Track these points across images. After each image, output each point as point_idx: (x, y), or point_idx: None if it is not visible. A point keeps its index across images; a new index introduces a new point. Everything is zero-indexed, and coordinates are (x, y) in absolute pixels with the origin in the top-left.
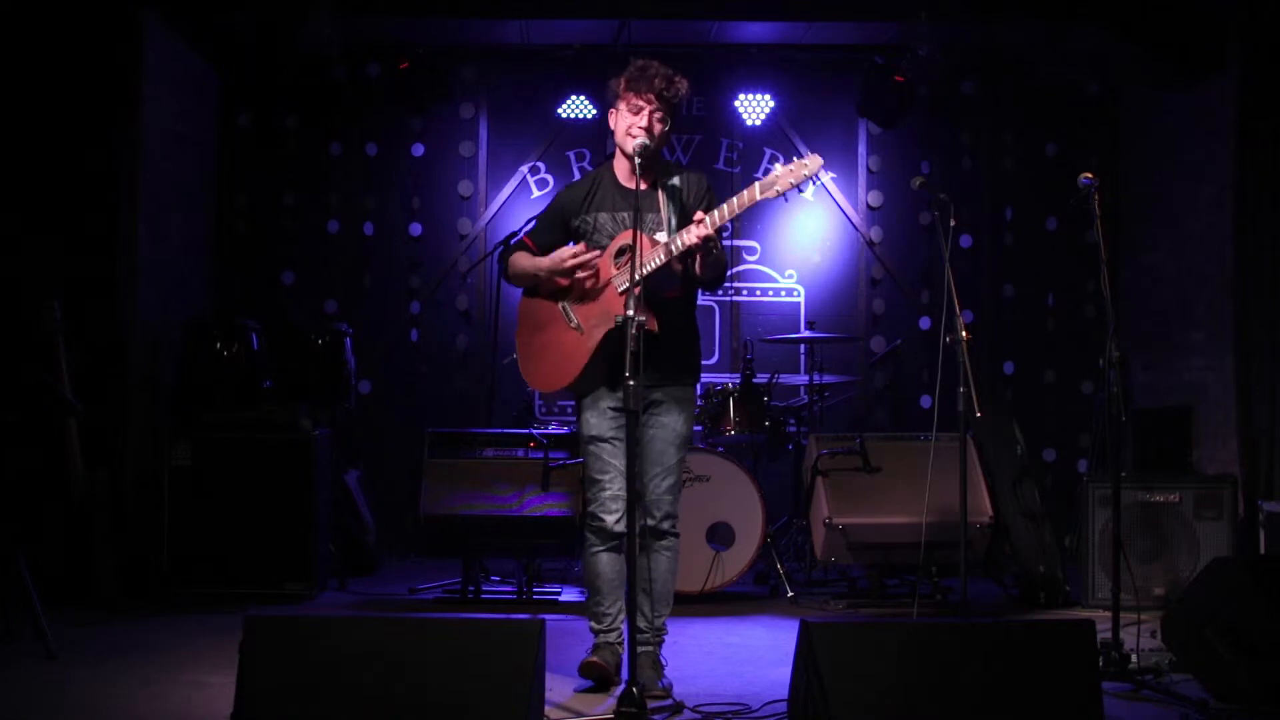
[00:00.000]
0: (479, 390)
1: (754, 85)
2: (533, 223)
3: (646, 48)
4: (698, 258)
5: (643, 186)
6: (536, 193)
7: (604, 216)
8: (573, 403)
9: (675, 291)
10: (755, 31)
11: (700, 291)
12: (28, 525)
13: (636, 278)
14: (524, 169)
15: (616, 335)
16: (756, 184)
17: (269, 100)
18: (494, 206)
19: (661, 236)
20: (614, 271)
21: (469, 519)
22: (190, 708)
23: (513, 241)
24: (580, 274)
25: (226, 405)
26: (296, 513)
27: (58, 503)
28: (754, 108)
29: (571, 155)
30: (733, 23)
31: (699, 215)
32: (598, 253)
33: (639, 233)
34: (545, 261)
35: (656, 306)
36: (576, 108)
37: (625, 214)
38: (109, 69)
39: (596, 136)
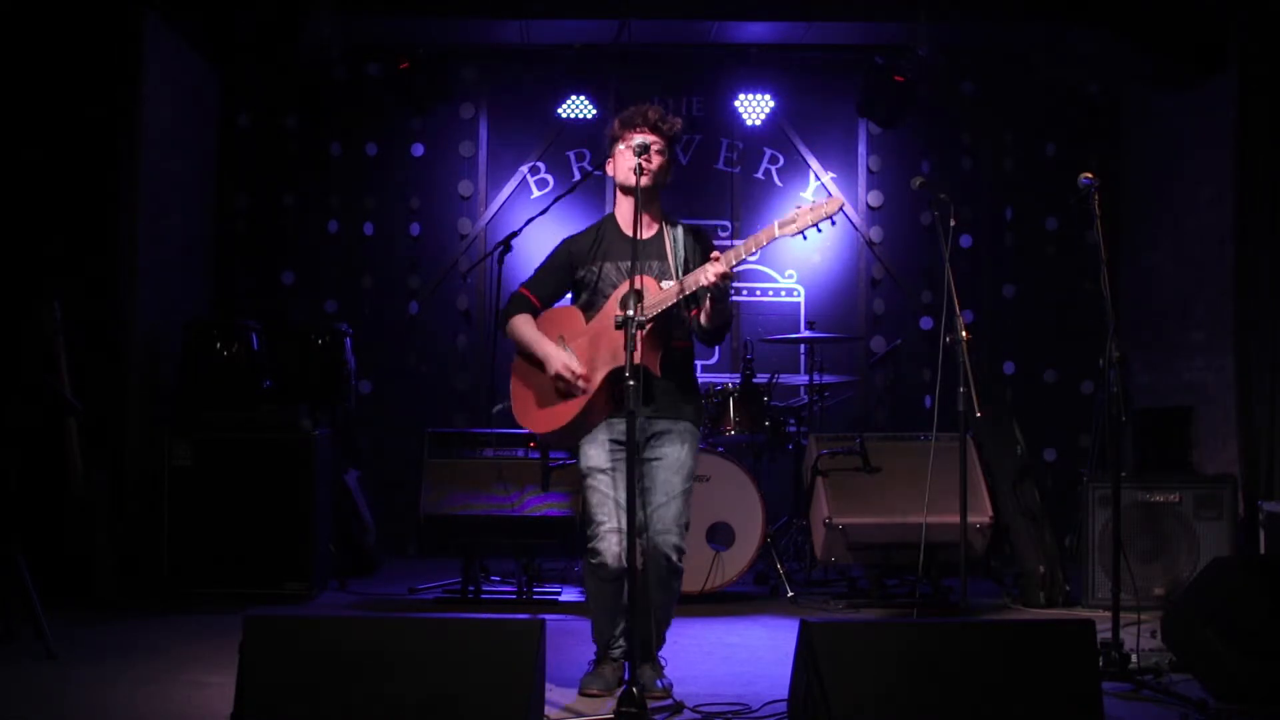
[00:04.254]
0: (479, 390)
1: (754, 85)
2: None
3: (646, 47)
4: (707, 303)
5: (649, 233)
6: (536, 193)
7: (609, 267)
8: None
9: (681, 342)
10: (755, 31)
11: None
12: (28, 525)
13: (637, 282)
14: (524, 169)
15: (616, 378)
16: (775, 222)
17: (269, 100)
18: (494, 206)
19: (668, 285)
20: (618, 313)
21: (469, 519)
22: (190, 708)
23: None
24: (559, 383)
25: (226, 405)
26: (296, 513)
27: (58, 503)
28: (754, 108)
29: (571, 155)
30: (733, 23)
31: (715, 254)
32: (587, 388)
33: (642, 277)
34: (550, 351)
35: (662, 352)
36: (576, 108)
37: (630, 264)
38: (109, 69)
39: (596, 136)
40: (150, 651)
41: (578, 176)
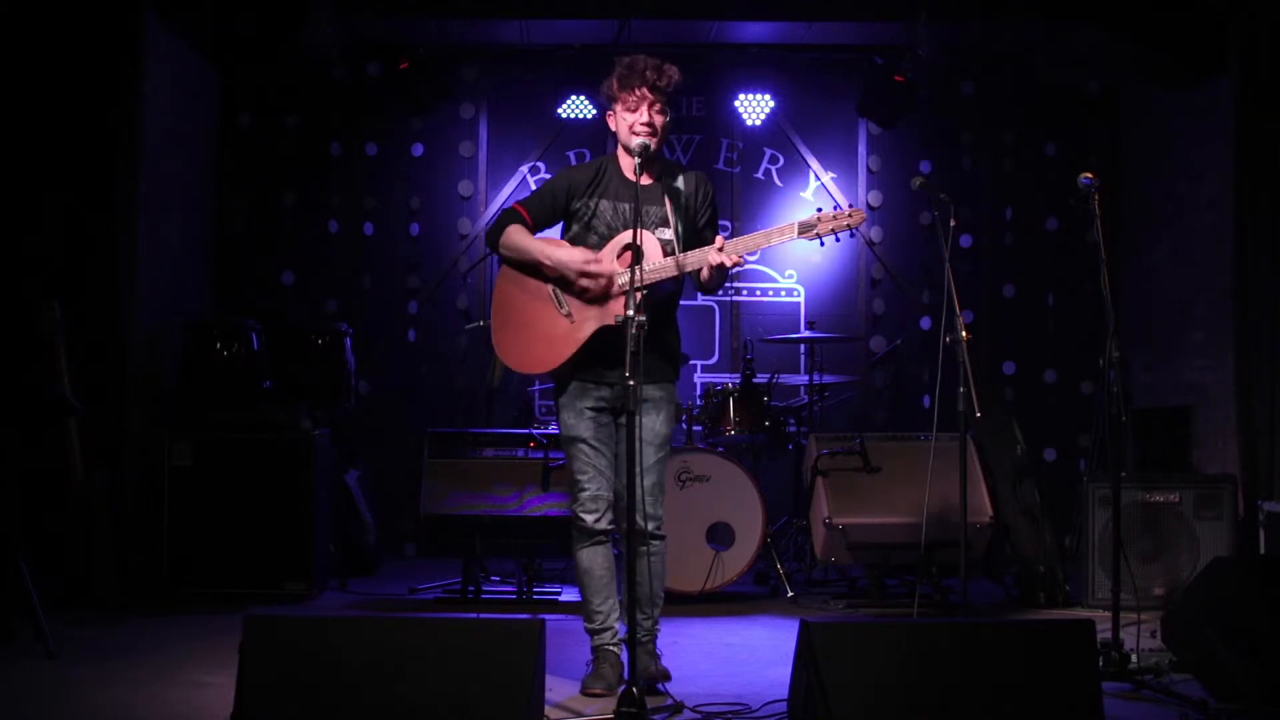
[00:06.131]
0: (479, 390)
1: (754, 85)
2: (526, 192)
3: (646, 48)
4: (705, 270)
5: (646, 181)
6: None
7: (605, 204)
8: None
9: (671, 291)
10: (755, 31)
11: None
12: (28, 525)
13: (639, 278)
14: (524, 169)
15: (609, 332)
16: (795, 223)
17: (269, 100)
18: (494, 206)
19: (664, 234)
20: (616, 268)
21: (469, 519)
22: (190, 708)
23: (505, 205)
24: (584, 282)
25: (226, 405)
26: (296, 513)
27: (58, 503)
28: (754, 108)
29: (571, 155)
30: (733, 23)
31: (719, 241)
32: (613, 270)
33: (639, 230)
34: (556, 253)
35: (650, 306)
36: (576, 108)
37: (627, 205)
38: (109, 69)
39: (596, 136)
40: (150, 651)
41: None
